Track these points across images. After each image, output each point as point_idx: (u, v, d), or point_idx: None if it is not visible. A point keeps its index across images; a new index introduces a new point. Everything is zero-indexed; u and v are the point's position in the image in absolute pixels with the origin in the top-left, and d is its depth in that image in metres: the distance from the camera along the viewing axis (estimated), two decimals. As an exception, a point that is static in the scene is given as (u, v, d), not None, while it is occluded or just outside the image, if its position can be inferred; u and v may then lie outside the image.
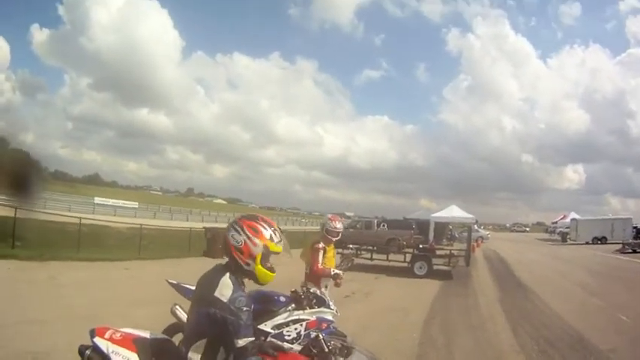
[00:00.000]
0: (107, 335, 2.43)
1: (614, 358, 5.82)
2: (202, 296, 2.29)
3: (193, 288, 2.65)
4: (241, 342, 2.16)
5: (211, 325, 2.19)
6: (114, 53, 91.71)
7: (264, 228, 2.38)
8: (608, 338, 6.83)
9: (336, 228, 5.27)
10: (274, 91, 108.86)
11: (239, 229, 2.37)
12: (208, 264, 2.50)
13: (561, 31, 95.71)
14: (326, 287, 5.20)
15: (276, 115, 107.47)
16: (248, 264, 2.34)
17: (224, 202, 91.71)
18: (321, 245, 5.19)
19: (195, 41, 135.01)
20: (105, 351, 2.36)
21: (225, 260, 2.42)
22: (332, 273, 5.03)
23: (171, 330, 3.35)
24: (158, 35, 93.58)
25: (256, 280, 2.40)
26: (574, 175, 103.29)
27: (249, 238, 2.35)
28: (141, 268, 11.69)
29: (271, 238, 2.38)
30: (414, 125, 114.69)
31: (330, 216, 5.51)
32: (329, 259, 5.27)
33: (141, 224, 17.91)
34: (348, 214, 74.51)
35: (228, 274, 2.29)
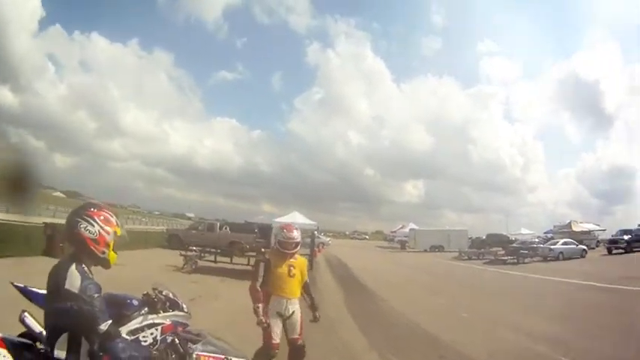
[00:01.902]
0: None
1: (456, 345, 7.01)
2: (54, 292, 2.28)
3: (42, 292, 2.53)
4: (103, 327, 2.23)
5: (70, 318, 2.21)
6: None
7: (110, 215, 2.56)
8: (451, 332, 8.02)
9: (291, 239, 4.43)
10: (127, 80, 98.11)
11: (91, 220, 2.46)
12: (53, 264, 2.42)
13: (419, 60, 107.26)
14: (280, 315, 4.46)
15: (125, 106, 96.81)
16: (104, 252, 2.47)
17: (63, 195, 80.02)
18: (264, 257, 4.50)
19: (56, 13, 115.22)
20: None
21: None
22: (255, 307, 4.29)
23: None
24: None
25: (107, 265, 2.53)
26: (414, 189, 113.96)
27: (102, 228, 2.47)
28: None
29: (117, 224, 2.56)
30: (261, 131, 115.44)
31: (283, 224, 4.70)
32: (279, 277, 4.44)
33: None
34: (188, 214, 71.43)
35: (74, 265, 2.33)
